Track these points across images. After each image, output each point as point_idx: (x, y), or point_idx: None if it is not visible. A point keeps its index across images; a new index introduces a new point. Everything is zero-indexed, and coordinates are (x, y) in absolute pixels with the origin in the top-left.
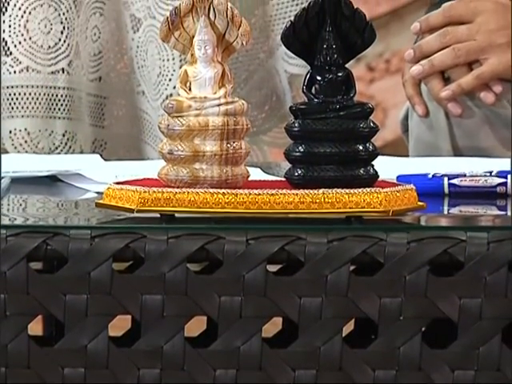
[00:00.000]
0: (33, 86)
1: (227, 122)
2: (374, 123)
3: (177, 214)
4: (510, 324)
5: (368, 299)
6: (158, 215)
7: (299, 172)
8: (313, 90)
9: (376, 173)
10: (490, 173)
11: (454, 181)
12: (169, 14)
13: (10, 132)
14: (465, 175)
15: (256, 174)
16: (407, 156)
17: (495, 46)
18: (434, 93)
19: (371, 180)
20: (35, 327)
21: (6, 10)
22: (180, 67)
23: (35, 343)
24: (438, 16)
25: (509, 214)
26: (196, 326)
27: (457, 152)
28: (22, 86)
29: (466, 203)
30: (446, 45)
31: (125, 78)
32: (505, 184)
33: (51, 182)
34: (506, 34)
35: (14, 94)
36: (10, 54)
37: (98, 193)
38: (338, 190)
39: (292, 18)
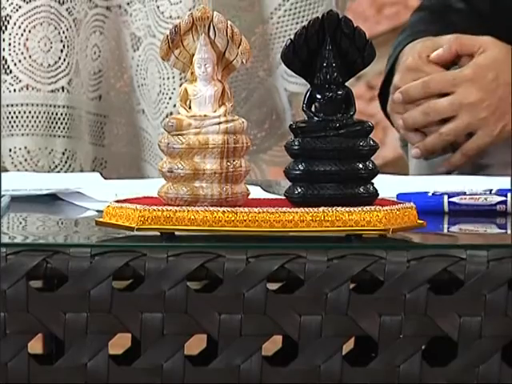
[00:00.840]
0: (33, 105)
1: (227, 140)
2: (373, 141)
3: (177, 233)
4: (510, 342)
5: (368, 317)
6: (158, 233)
7: (299, 190)
8: (313, 108)
9: (376, 191)
10: (490, 191)
11: (454, 199)
12: (169, 33)
13: (10, 150)
14: (465, 193)
15: (256, 193)
16: (407, 174)
17: (480, 120)
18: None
19: (371, 198)
20: (35, 345)
21: (6, 28)
22: (180, 85)
23: (35, 361)
24: (417, 88)
25: (509, 232)
26: (196, 344)
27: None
28: (22, 105)
29: (466, 221)
30: (431, 121)
31: (125, 97)
32: (505, 202)
33: (51, 200)
34: (488, 106)
35: (14, 113)
36: (10, 72)
37: (97, 211)
38: (338, 209)
39: (292, 37)
